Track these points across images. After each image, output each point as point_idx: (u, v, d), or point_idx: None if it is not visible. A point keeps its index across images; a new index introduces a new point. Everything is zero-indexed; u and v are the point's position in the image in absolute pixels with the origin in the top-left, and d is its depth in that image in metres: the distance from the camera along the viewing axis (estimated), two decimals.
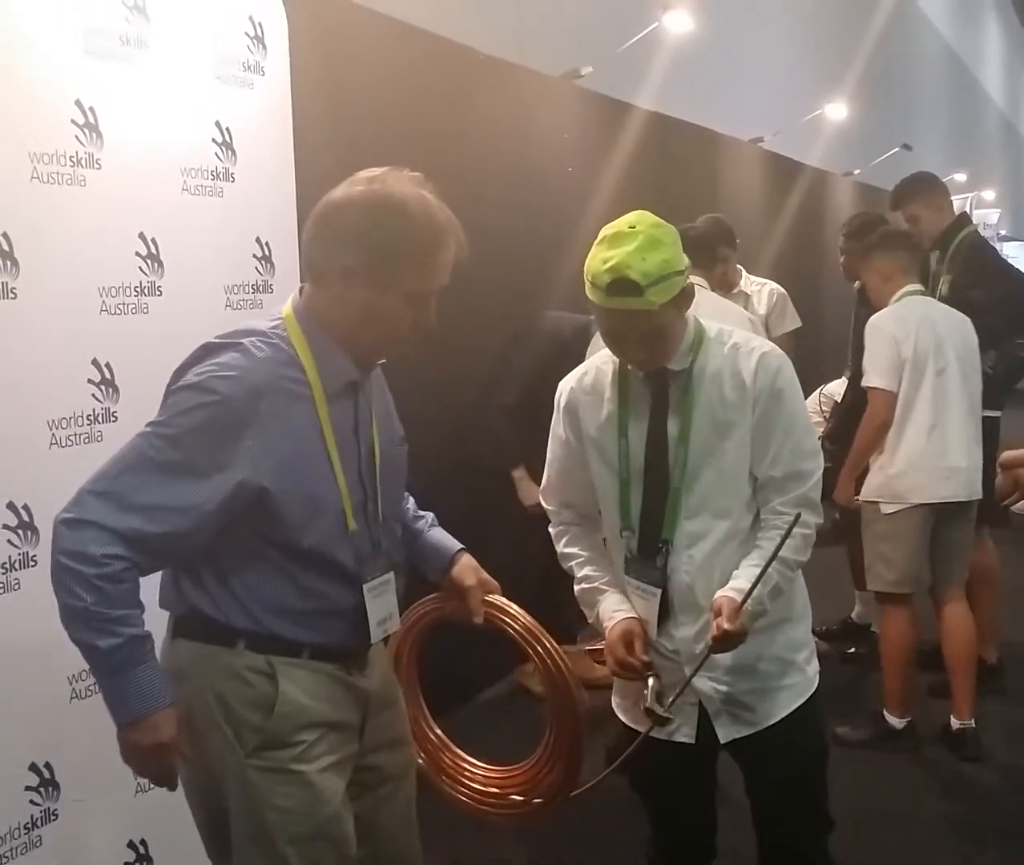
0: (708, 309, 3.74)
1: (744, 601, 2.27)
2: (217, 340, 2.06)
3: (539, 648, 2.40)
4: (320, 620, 2.12)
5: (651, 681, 2.40)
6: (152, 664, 1.99)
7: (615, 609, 2.49)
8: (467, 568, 2.40)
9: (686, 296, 2.37)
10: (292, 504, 2.04)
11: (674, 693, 2.41)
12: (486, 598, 2.41)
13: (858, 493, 4.39)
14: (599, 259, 2.28)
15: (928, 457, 4.14)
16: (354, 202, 2.05)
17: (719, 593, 2.33)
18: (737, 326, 3.50)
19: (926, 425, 4.15)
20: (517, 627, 2.42)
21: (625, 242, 2.26)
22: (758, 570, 2.29)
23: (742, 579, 2.33)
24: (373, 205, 2.04)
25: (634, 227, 2.29)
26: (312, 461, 2.07)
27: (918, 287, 4.35)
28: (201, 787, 2.17)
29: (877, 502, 4.24)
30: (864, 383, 4.25)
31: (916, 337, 4.15)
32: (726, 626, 2.25)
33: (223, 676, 2.09)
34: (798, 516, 2.32)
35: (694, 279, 3.90)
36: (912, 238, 4.60)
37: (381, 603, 2.21)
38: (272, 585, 2.08)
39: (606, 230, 2.33)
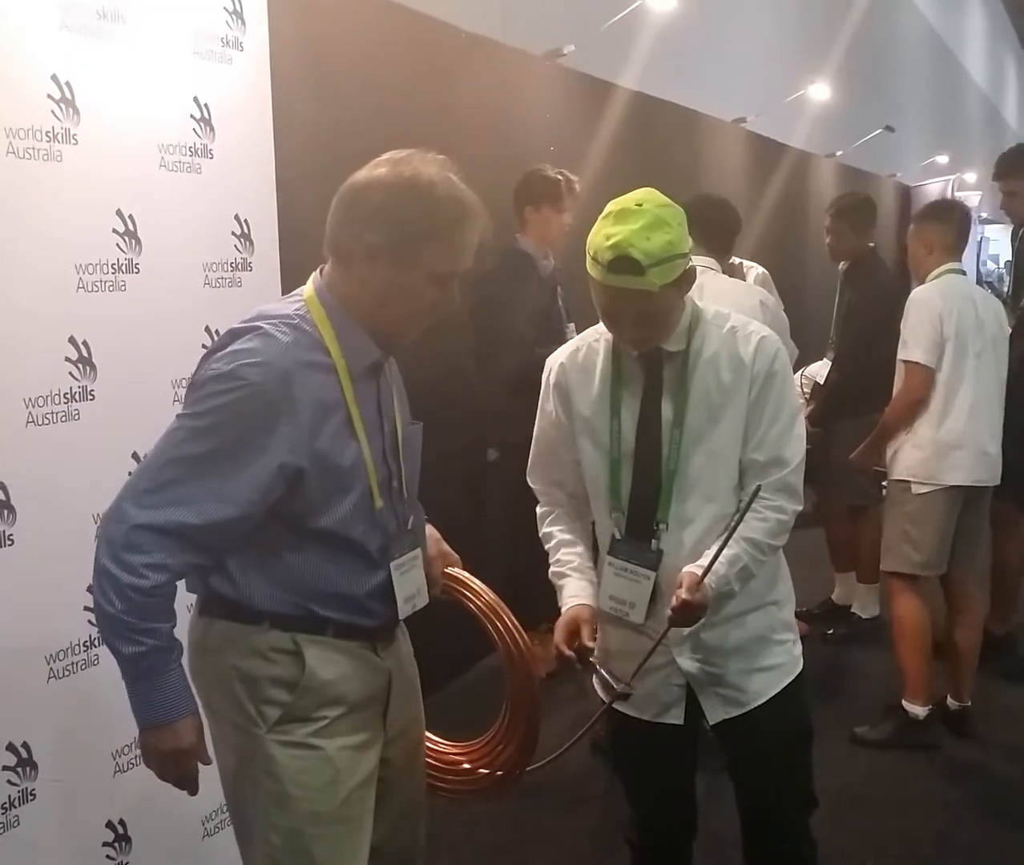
0: (721, 291, 3.73)
1: (704, 574, 2.25)
2: (241, 325, 2.05)
3: (499, 624, 2.41)
4: (348, 598, 2.12)
5: (601, 671, 2.39)
6: (176, 674, 2.03)
7: (570, 596, 2.49)
8: (429, 539, 2.40)
9: (687, 279, 2.34)
10: (324, 484, 2.05)
11: (653, 671, 2.42)
12: (447, 571, 2.43)
13: (878, 465, 4.37)
14: (602, 234, 2.25)
15: (968, 438, 4.09)
16: (380, 182, 2.04)
17: (684, 568, 2.32)
18: (749, 308, 3.49)
19: (967, 406, 4.10)
20: (478, 603, 2.43)
21: (630, 220, 2.23)
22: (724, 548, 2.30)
23: (709, 557, 2.31)
24: (400, 185, 2.03)
25: (641, 205, 2.26)
26: (342, 441, 2.07)
27: (959, 266, 4.30)
28: (228, 773, 2.19)
29: (908, 481, 4.16)
30: (903, 356, 4.16)
31: (959, 315, 4.10)
32: (684, 596, 2.24)
33: (248, 655, 2.10)
34: (757, 489, 2.29)
35: (706, 261, 3.92)
36: (965, 217, 4.49)
37: (408, 580, 2.21)
38: (298, 566, 2.08)
39: (612, 205, 2.30)
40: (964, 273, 4.34)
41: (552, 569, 2.58)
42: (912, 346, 4.13)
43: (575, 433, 2.51)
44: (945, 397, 4.11)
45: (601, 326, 2.51)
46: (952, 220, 4.35)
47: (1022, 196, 5.05)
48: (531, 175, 4.80)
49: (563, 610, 2.47)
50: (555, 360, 2.56)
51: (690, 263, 2.34)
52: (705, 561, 2.28)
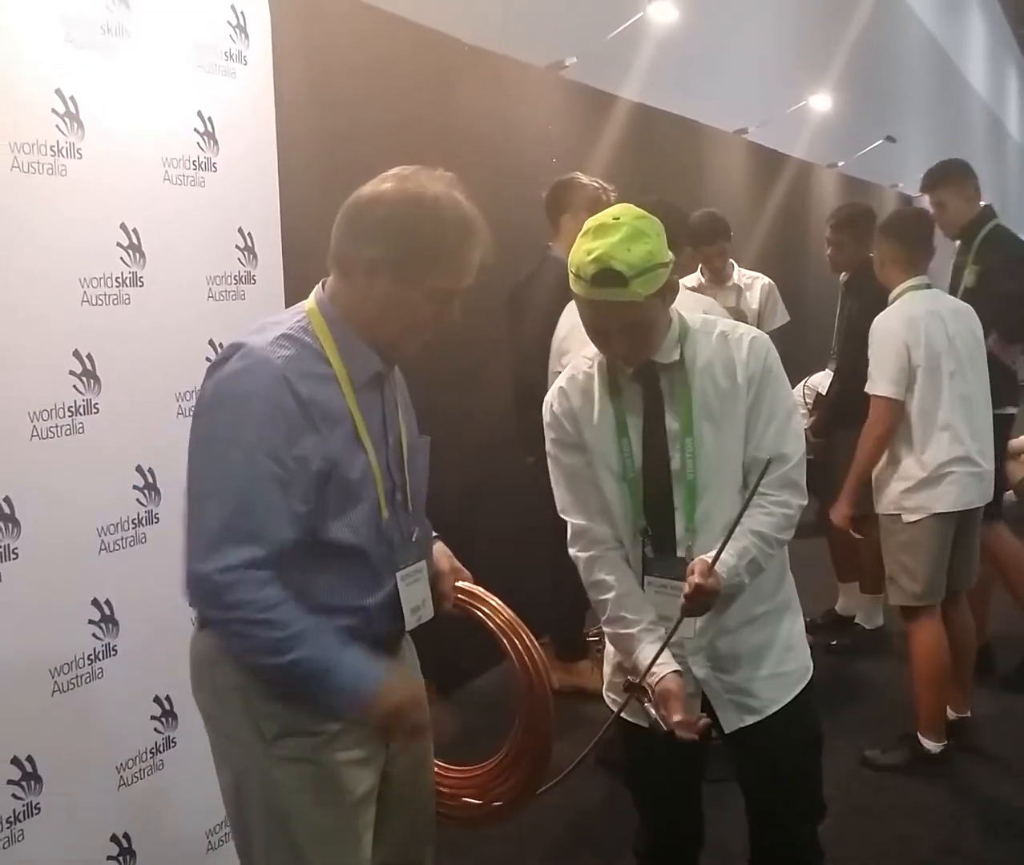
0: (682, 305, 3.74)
1: (715, 560, 2.27)
2: (242, 339, 2.05)
3: (516, 642, 2.39)
4: (353, 610, 2.11)
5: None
6: (352, 649, 2.02)
7: (660, 663, 2.36)
8: (440, 555, 2.40)
9: (670, 289, 2.36)
10: (335, 492, 2.05)
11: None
12: (463, 585, 2.42)
13: (859, 511, 4.25)
14: (583, 250, 2.27)
15: (953, 464, 3.94)
16: (385, 197, 2.05)
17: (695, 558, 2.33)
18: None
19: (948, 432, 3.95)
20: (497, 620, 2.40)
21: (609, 233, 2.26)
22: (733, 540, 2.30)
23: (718, 547, 2.31)
24: (405, 202, 2.04)
25: (618, 219, 2.29)
26: (350, 451, 2.07)
27: (923, 280, 4.13)
28: (228, 788, 2.18)
29: (898, 514, 4.02)
30: (869, 390, 4.01)
31: (926, 339, 3.93)
32: (697, 580, 2.24)
33: (247, 669, 2.08)
34: (768, 463, 2.29)
35: None
36: (932, 227, 4.37)
37: (414, 591, 2.21)
38: (303, 578, 2.06)
39: (590, 222, 2.32)
40: (929, 286, 4.14)
41: (614, 629, 2.46)
42: (877, 378, 3.98)
43: (593, 461, 2.49)
44: (923, 426, 3.96)
45: (591, 351, 2.52)
46: (902, 236, 4.18)
47: (950, 208, 5.01)
48: (568, 183, 4.71)
49: (657, 680, 2.35)
50: (554, 391, 2.55)
51: (672, 274, 2.35)
52: (713, 551, 2.30)
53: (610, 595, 2.46)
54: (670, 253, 2.35)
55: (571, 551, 2.53)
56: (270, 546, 1.96)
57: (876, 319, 4.09)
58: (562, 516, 2.55)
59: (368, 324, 2.10)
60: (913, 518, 3.98)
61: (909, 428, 3.99)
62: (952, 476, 3.96)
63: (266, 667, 2.00)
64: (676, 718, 2.29)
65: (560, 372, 3.76)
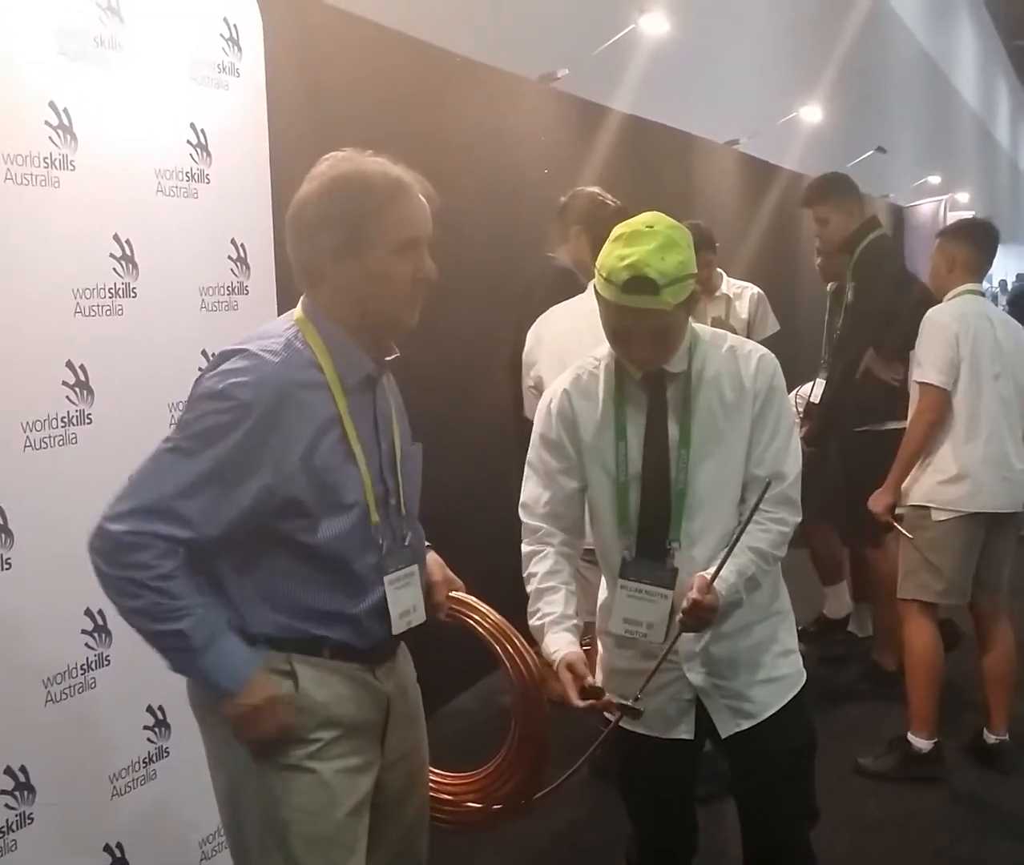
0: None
1: (714, 577, 2.28)
2: (233, 346, 2.08)
3: (508, 647, 2.39)
4: (343, 617, 2.13)
5: (612, 698, 2.38)
6: (231, 638, 2.05)
7: (554, 650, 2.41)
8: (433, 565, 2.41)
9: (694, 299, 2.40)
10: (321, 500, 2.07)
11: (663, 687, 2.45)
12: (455, 595, 2.43)
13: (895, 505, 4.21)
14: (616, 256, 2.30)
15: (987, 464, 3.98)
16: (315, 190, 2.10)
17: (696, 574, 2.34)
18: None
19: (986, 431, 3.99)
20: (486, 625, 2.41)
21: (643, 241, 2.29)
22: (732, 557, 2.32)
23: (717, 564, 2.33)
24: (333, 184, 2.09)
25: (652, 227, 2.32)
26: (338, 457, 2.09)
27: (978, 287, 4.22)
28: (223, 795, 2.19)
29: (928, 508, 4.05)
30: (918, 378, 4.07)
31: (975, 336, 4.01)
32: (695, 595, 2.26)
33: None
34: (768, 485, 2.33)
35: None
36: (994, 239, 4.37)
37: (403, 595, 2.21)
38: (292, 583, 2.08)
39: (621, 229, 2.35)
40: (983, 294, 4.25)
41: (531, 622, 2.50)
42: (927, 367, 4.03)
43: (584, 461, 2.51)
44: (964, 420, 4.00)
45: (599, 352, 2.54)
46: (980, 241, 4.25)
47: (831, 223, 4.99)
48: (587, 196, 4.62)
49: (554, 665, 2.41)
50: (556, 388, 2.56)
51: (696, 285, 2.39)
52: (713, 567, 2.31)
53: (532, 586, 2.51)
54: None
55: (523, 546, 2.57)
56: (191, 534, 1.99)
57: (928, 312, 4.16)
58: (520, 511, 2.58)
59: (357, 316, 2.12)
60: (943, 516, 4.01)
61: (950, 421, 4.03)
62: (983, 477, 3.99)
63: (148, 632, 2.03)
64: (574, 699, 2.33)
65: (532, 387, 3.80)
